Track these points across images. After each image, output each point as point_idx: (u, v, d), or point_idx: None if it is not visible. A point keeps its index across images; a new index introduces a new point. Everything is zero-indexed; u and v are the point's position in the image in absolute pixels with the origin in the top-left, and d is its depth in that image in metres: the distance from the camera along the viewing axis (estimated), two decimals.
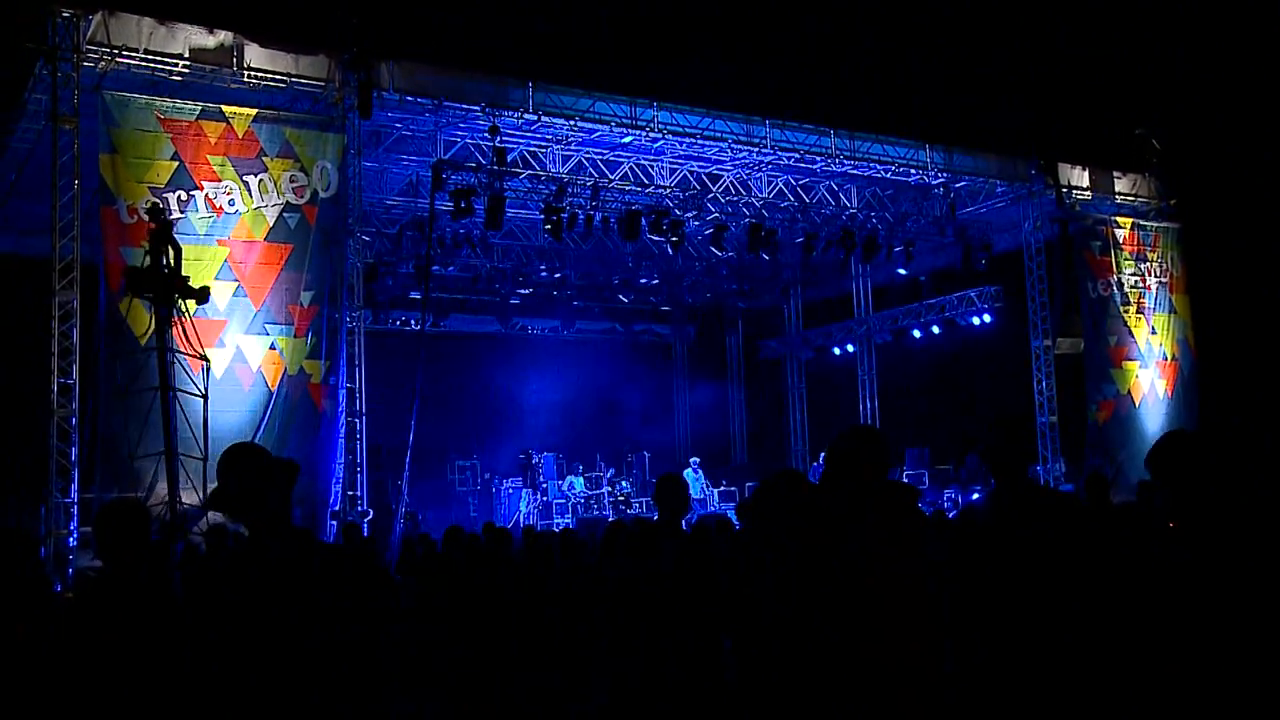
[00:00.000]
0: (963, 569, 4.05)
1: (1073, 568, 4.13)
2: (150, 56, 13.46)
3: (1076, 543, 4.16)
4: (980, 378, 21.59)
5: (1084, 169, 20.61)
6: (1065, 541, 4.12)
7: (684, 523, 6.37)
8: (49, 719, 3.95)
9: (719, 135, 17.68)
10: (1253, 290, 18.77)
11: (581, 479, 21.91)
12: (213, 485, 11.72)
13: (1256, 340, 18.62)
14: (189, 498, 12.63)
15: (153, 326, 12.89)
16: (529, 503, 21.08)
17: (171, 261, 12.47)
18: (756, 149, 18.02)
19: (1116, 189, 21.04)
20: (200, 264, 13.65)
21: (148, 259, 12.35)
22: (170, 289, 12.45)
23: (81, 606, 4.11)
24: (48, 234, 13.10)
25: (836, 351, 25.35)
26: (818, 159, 18.53)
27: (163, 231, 12.57)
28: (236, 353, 13.76)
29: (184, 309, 12.66)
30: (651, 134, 17.11)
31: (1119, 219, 21.06)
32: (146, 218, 12.79)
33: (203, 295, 12.88)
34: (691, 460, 22.25)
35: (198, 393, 12.97)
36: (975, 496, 18.28)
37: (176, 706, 3.91)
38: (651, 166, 18.68)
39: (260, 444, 12.76)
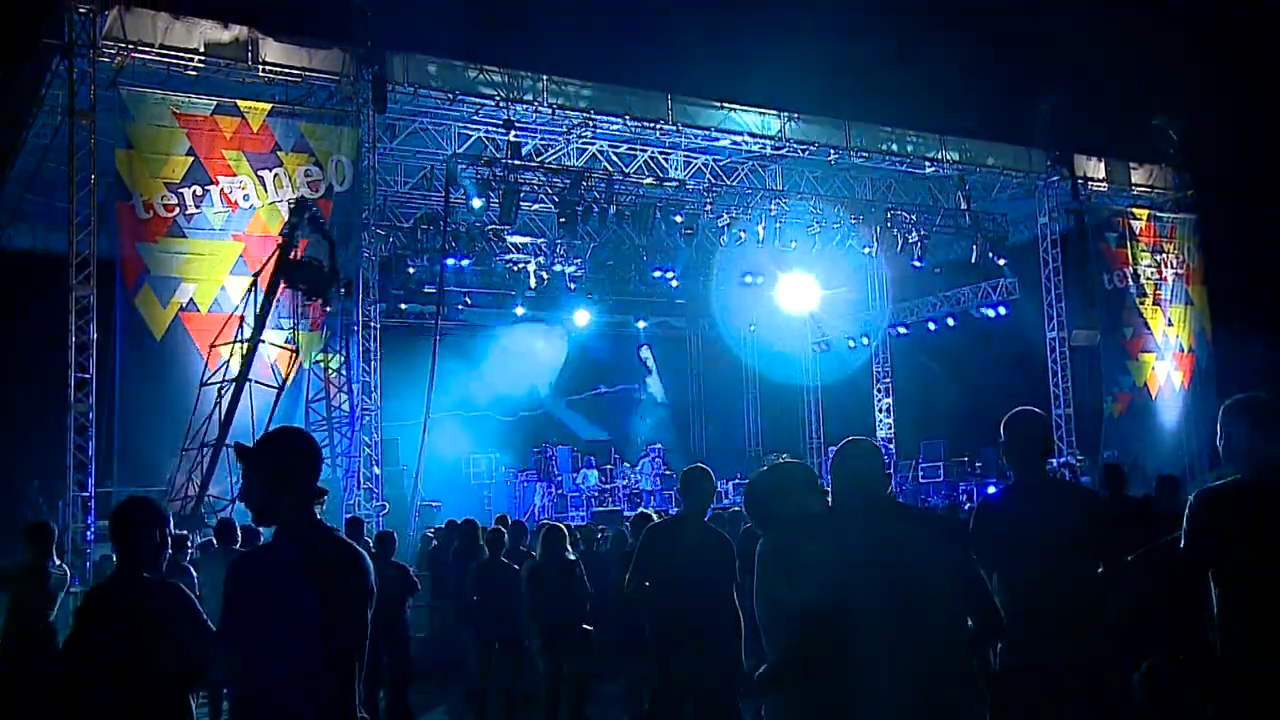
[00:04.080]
0: (981, 561, 4.03)
1: (1090, 559, 4.13)
2: (166, 52, 13.52)
3: (1094, 534, 4.15)
4: (995, 370, 21.50)
5: (1100, 160, 20.52)
6: (1082, 533, 4.11)
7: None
8: (59, 708, 3.98)
9: (733, 128, 17.65)
10: (1270, 281, 18.65)
11: (596, 472, 21.93)
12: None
13: (1274, 332, 18.49)
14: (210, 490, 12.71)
15: (167, 322, 13.05)
16: (544, 496, 21.10)
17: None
18: (771, 142, 17.99)
19: (1133, 180, 20.95)
20: (215, 259, 13.71)
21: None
22: (327, 282, 12.86)
23: (92, 600, 4.12)
24: (65, 229, 13.17)
25: (851, 344, 25.28)
26: (833, 151, 18.51)
27: (316, 223, 12.92)
28: None
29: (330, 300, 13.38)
30: (666, 127, 17.10)
31: (1135, 210, 20.96)
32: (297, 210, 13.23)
33: (349, 288, 13.59)
34: (650, 448, 22.29)
35: (273, 384, 13.16)
36: (991, 489, 18.23)
37: (185, 696, 3.94)
38: (666, 159, 18.66)
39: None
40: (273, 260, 13.01)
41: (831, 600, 3.56)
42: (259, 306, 13.09)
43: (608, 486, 21.78)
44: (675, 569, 5.81)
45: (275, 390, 13.40)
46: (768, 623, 3.84)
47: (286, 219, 13.36)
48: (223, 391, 13.08)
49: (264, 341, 13.45)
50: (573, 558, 8.25)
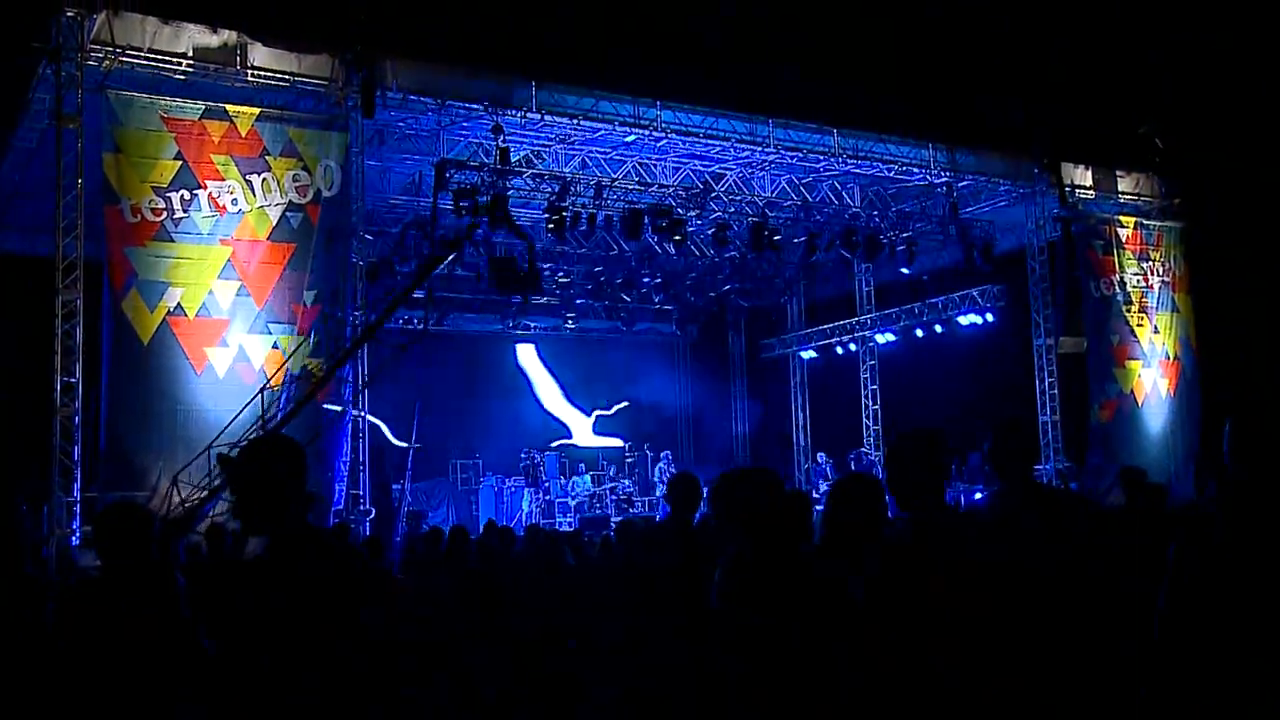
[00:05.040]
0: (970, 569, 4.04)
1: (1079, 564, 4.14)
2: (154, 56, 13.48)
3: (1082, 539, 4.17)
4: (983, 377, 21.57)
5: (1087, 168, 20.60)
6: (1071, 538, 4.13)
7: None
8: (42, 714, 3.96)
9: (722, 134, 17.68)
10: (1255, 289, 18.74)
11: (589, 477, 21.93)
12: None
13: (1259, 340, 18.59)
14: (193, 495, 12.67)
15: (155, 326, 13.04)
16: (531, 502, 21.08)
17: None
18: (759, 148, 18.02)
19: (1120, 188, 21.03)
20: (203, 263, 13.68)
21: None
22: (526, 281, 13.12)
23: (73, 606, 4.10)
24: (51, 233, 13.13)
25: (839, 351, 25.33)
26: (820, 158, 18.54)
27: (511, 224, 13.14)
28: (239, 352, 13.77)
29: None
30: (654, 133, 17.12)
31: (1122, 218, 21.06)
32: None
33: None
34: (663, 454, 22.58)
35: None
36: (978, 496, 18.27)
37: (171, 703, 3.91)
38: (655, 166, 18.68)
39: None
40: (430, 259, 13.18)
41: None
42: (387, 306, 13.26)
43: (596, 491, 21.78)
44: (662, 571, 5.81)
45: (267, 396, 13.39)
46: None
47: (469, 220, 13.49)
48: (265, 392, 13.17)
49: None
50: None
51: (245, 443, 3.49)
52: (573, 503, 21.26)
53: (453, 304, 22.97)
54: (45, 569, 12.01)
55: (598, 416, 25.52)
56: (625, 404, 25.58)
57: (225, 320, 13.73)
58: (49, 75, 13.25)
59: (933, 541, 3.75)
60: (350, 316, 14.81)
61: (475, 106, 15.83)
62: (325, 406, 14.12)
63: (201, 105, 13.82)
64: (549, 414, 25.32)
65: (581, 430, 25.52)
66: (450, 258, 13.65)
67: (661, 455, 22.68)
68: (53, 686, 3.92)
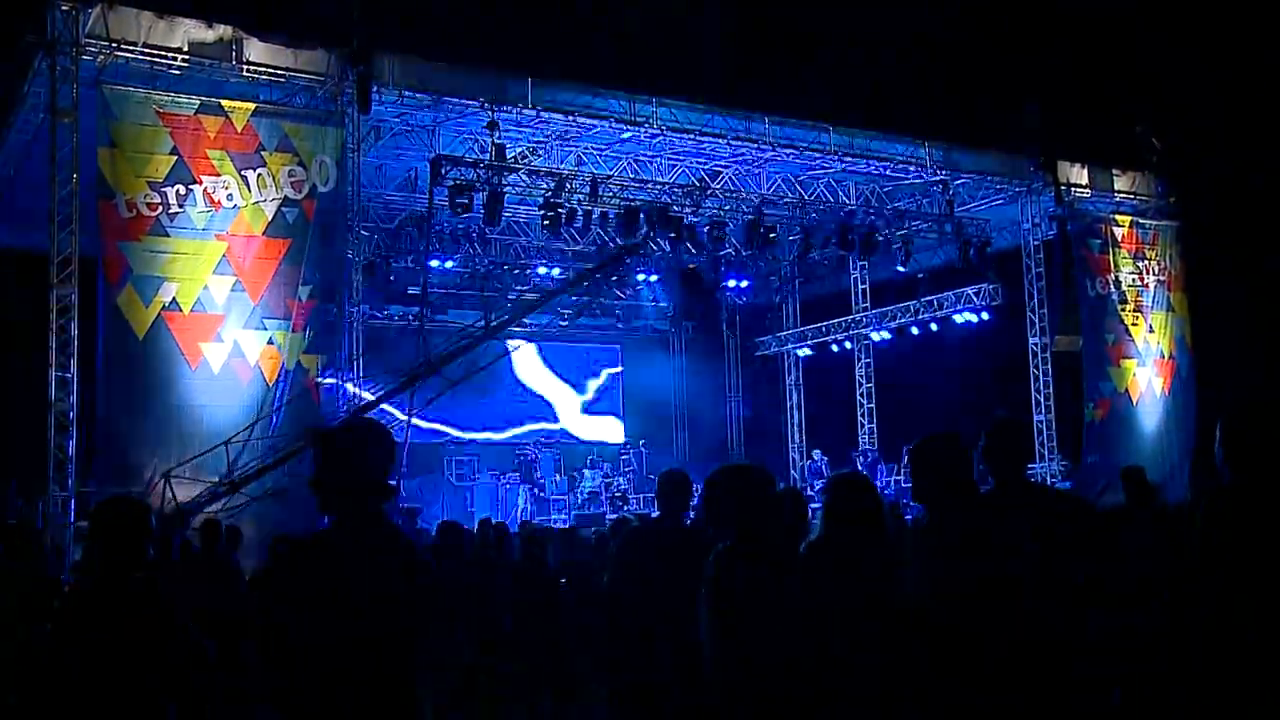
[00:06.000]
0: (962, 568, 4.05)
1: (1072, 564, 4.14)
2: (149, 50, 13.43)
3: (1076, 539, 4.16)
4: (978, 375, 21.58)
5: (1083, 167, 20.60)
6: (1064, 538, 4.13)
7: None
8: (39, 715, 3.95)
9: (718, 132, 17.66)
10: (1250, 289, 18.77)
11: (599, 470, 21.95)
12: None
13: (1254, 339, 18.62)
14: (183, 492, 12.65)
15: (150, 321, 13.02)
16: (526, 499, 21.07)
17: None
18: (755, 145, 18.00)
19: (1116, 187, 21.04)
20: (198, 259, 13.64)
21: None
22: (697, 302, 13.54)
23: (74, 604, 4.10)
24: (46, 228, 13.09)
25: (834, 349, 25.34)
26: (816, 155, 18.53)
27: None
28: (234, 347, 13.74)
29: None
30: (650, 130, 17.10)
31: (1118, 217, 21.06)
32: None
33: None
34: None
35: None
36: None
37: (165, 702, 3.91)
38: (650, 163, 18.67)
39: (259, 438, 12.82)
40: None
41: None
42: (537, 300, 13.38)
43: (593, 488, 21.77)
44: (652, 568, 5.80)
45: (262, 391, 13.39)
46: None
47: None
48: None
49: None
50: None
51: (340, 421, 3.52)
52: (570, 499, 21.26)
53: (448, 300, 22.98)
54: (46, 563, 12.01)
55: (587, 399, 25.51)
56: (619, 370, 25.70)
57: (220, 316, 13.69)
58: (44, 69, 13.21)
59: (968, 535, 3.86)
60: (346, 312, 14.79)
61: (471, 102, 15.81)
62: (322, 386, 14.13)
63: (197, 100, 13.77)
64: (536, 394, 25.29)
65: (570, 412, 25.48)
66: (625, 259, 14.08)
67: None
68: (47, 685, 3.92)
